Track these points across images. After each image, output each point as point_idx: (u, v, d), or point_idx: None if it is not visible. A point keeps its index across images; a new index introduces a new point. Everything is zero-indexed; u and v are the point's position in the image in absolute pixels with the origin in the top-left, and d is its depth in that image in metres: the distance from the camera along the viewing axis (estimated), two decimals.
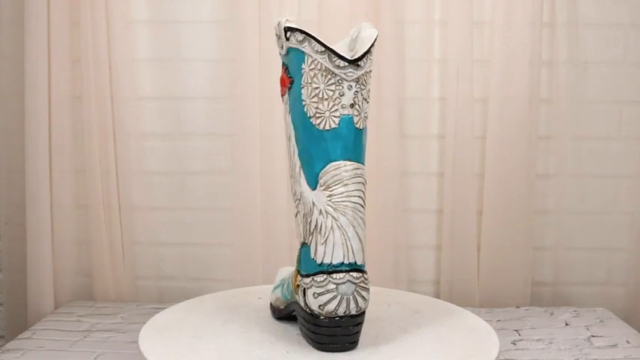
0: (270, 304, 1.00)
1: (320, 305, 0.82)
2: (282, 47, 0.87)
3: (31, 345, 1.34)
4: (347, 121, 0.83)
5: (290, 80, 0.86)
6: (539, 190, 1.62)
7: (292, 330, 0.94)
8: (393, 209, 1.58)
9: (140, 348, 0.89)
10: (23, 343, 1.35)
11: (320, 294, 0.82)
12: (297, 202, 0.87)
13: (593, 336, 1.39)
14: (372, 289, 1.02)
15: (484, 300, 1.61)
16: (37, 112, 1.54)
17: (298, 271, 0.87)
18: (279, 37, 0.87)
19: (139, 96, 1.62)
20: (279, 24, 0.86)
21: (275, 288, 0.99)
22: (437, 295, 1.64)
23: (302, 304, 0.85)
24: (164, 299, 1.67)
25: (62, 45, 1.56)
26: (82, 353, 1.30)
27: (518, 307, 1.58)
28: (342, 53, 0.82)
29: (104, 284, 1.63)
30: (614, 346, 1.33)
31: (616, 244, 1.64)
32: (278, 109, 1.56)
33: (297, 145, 0.85)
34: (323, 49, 0.82)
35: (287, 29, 0.84)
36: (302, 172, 0.85)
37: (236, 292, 1.14)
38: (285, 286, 0.95)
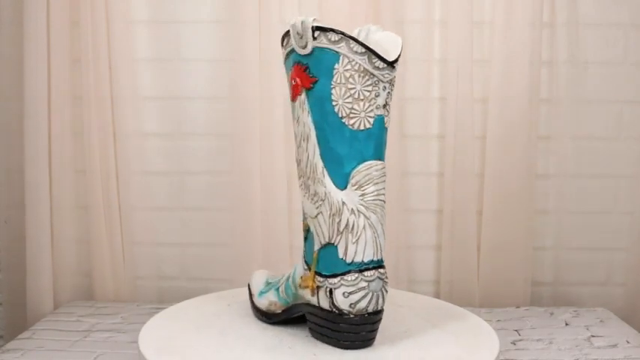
0: (260, 309, 0.98)
1: (351, 304, 0.84)
2: (304, 46, 0.86)
3: (31, 345, 1.34)
4: (379, 121, 0.85)
5: (313, 80, 0.85)
6: (539, 190, 1.62)
7: (295, 332, 0.94)
8: (393, 209, 1.58)
9: (140, 348, 0.89)
10: (23, 343, 1.35)
11: (351, 293, 0.84)
12: (318, 203, 0.86)
13: (593, 336, 1.39)
14: None
15: (484, 300, 1.61)
16: (36, 112, 1.54)
17: (316, 273, 0.87)
18: (300, 36, 0.86)
19: (139, 96, 1.62)
20: (302, 23, 0.86)
21: (262, 293, 0.98)
22: (437, 295, 1.64)
23: (326, 304, 0.86)
24: (164, 299, 1.67)
25: (62, 45, 1.56)
26: (82, 353, 1.30)
27: (518, 307, 1.58)
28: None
29: (104, 284, 1.63)
30: (614, 346, 1.33)
31: (616, 244, 1.64)
32: (278, 109, 1.56)
33: (320, 146, 0.86)
34: (363, 50, 0.83)
35: (316, 28, 0.85)
36: (326, 173, 0.86)
37: (236, 292, 1.14)
38: (282, 289, 0.94)
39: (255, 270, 1.07)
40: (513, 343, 1.35)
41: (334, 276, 0.85)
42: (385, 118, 0.86)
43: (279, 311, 0.95)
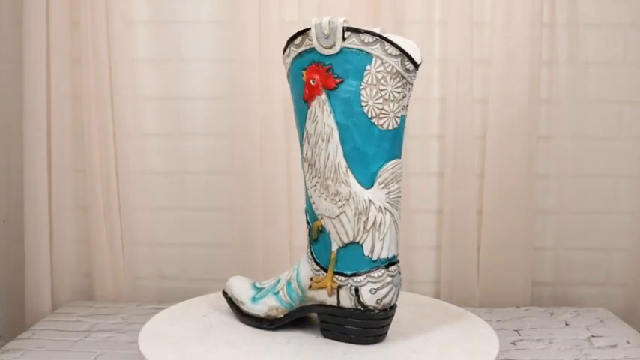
0: (255, 316, 0.96)
1: (378, 300, 0.87)
2: (330, 47, 0.86)
3: (31, 345, 1.34)
4: (403, 121, 0.88)
5: (338, 80, 0.86)
6: (539, 190, 1.62)
7: (296, 332, 0.94)
8: None
9: (140, 348, 0.89)
10: (23, 343, 1.35)
11: (378, 289, 0.87)
12: (341, 202, 0.87)
13: (593, 336, 1.39)
14: None
15: (484, 300, 1.61)
16: (36, 111, 1.54)
17: (336, 273, 0.88)
18: (327, 36, 0.86)
19: (139, 96, 1.62)
20: (330, 22, 0.86)
21: (256, 299, 0.96)
22: (437, 295, 1.64)
23: (349, 303, 0.88)
24: (164, 299, 1.67)
25: (62, 45, 1.56)
26: (82, 353, 1.30)
27: (518, 307, 1.58)
28: None
29: (104, 284, 1.63)
30: (614, 346, 1.33)
31: (616, 244, 1.64)
32: (278, 109, 1.56)
33: (343, 146, 0.86)
34: (398, 52, 0.84)
35: (347, 29, 0.85)
36: (350, 173, 0.87)
37: None
38: (283, 293, 0.94)
39: (232, 277, 1.02)
40: (513, 343, 1.35)
41: (358, 274, 0.87)
42: (406, 118, 0.89)
43: (282, 315, 0.94)
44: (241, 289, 0.99)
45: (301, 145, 0.91)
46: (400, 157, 0.88)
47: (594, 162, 1.62)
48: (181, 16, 1.60)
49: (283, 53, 0.92)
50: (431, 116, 1.61)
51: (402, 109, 0.87)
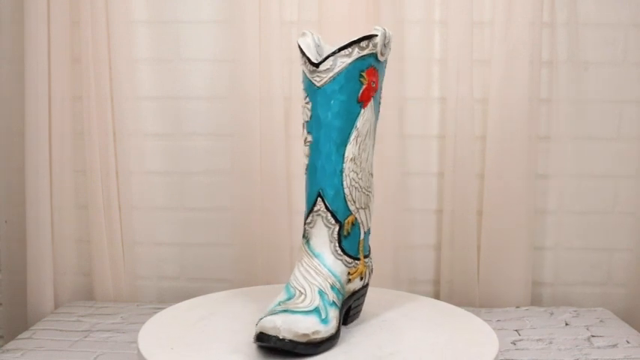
0: (330, 336, 0.86)
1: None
2: (384, 55, 0.94)
3: (31, 345, 1.34)
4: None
5: (379, 86, 0.95)
6: (539, 190, 1.62)
7: None
8: (393, 209, 1.58)
9: (140, 348, 0.89)
10: (23, 343, 1.35)
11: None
12: (371, 193, 0.97)
13: (593, 336, 1.39)
14: (371, 289, 1.03)
15: (484, 300, 1.61)
16: (37, 111, 1.54)
17: (365, 256, 0.97)
18: (385, 45, 0.93)
19: (138, 96, 1.62)
20: (387, 33, 0.93)
21: (326, 320, 0.85)
22: (437, 295, 1.64)
23: (368, 279, 0.98)
24: (164, 299, 1.67)
25: (62, 45, 1.56)
26: (82, 353, 1.30)
27: (518, 307, 1.58)
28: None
29: (104, 284, 1.63)
30: (614, 346, 1.33)
31: (616, 244, 1.64)
32: (278, 108, 1.56)
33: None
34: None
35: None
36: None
37: (236, 293, 1.14)
38: (335, 299, 0.89)
39: (267, 320, 0.84)
40: (513, 343, 1.35)
41: (370, 252, 0.99)
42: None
43: (329, 335, 0.87)
44: (304, 321, 0.85)
45: (345, 145, 0.91)
46: None
47: (594, 162, 1.62)
48: (181, 16, 1.60)
49: (339, 51, 0.91)
50: (431, 116, 1.61)
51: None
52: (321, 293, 0.88)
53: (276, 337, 0.81)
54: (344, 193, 0.92)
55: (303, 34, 0.94)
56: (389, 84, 1.54)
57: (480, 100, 1.58)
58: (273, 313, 0.84)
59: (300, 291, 0.88)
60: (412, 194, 1.62)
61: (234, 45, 1.57)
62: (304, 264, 0.91)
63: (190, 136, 1.64)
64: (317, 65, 0.91)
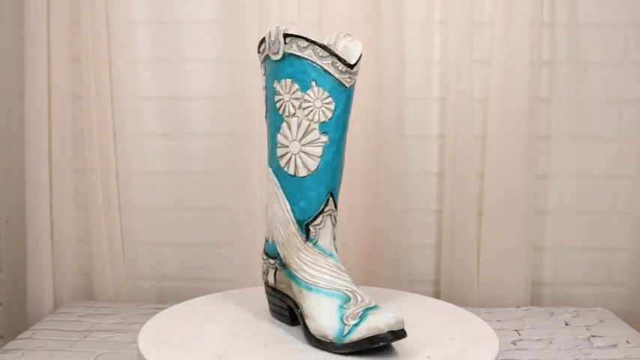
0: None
1: None
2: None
3: (31, 345, 1.34)
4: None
5: None
6: (539, 190, 1.62)
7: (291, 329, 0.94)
8: (393, 209, 1.58)
9: (140, 348, 0.89)
10: (23, 343, 1.35)
11: None
12: None
13: (593, 336, 1.39)
14: (371, 289, 1.03)
15: (484, 300, 1.61)
16: (37, 111, 1.54)
17: None
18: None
19: (138, 96, 1.62)
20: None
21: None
22: (437, 296, 1.64)
23: None
24: (164, 299, 1.67)
25: (62, 45, 1.56)
26: (81, 353, 1.30)
27: (518, 307, 1.58)
28: None
29: (104, 284, 1.63)
30: (614, 346, 1.33)
31: (616, 244, 1.64)
32: None
33: None
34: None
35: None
36: None
37: (236, 293, 1.14)
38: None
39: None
40: (513, 343, 1.35)
41: None
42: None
43: None
44: (387, 313, 0.85)
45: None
46: None
47: (594, 162, 1.62)
48: (181, 16, 1.60)
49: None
50: (431, 116, 1.61)
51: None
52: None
53: (403, 330, 0.83)
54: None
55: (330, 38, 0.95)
56: (389, 84, 1.55)
57: (480, 100, 1.58)
58: (364, 315, 0.84)
59: (348, 292, 0.88)
60: (412, 194, 1.62)
61: (234, 45, 1.57)
62: (323, 265, 0.91)
63: (190, 136, 1.64)
64: (352, 67, 0.90)
